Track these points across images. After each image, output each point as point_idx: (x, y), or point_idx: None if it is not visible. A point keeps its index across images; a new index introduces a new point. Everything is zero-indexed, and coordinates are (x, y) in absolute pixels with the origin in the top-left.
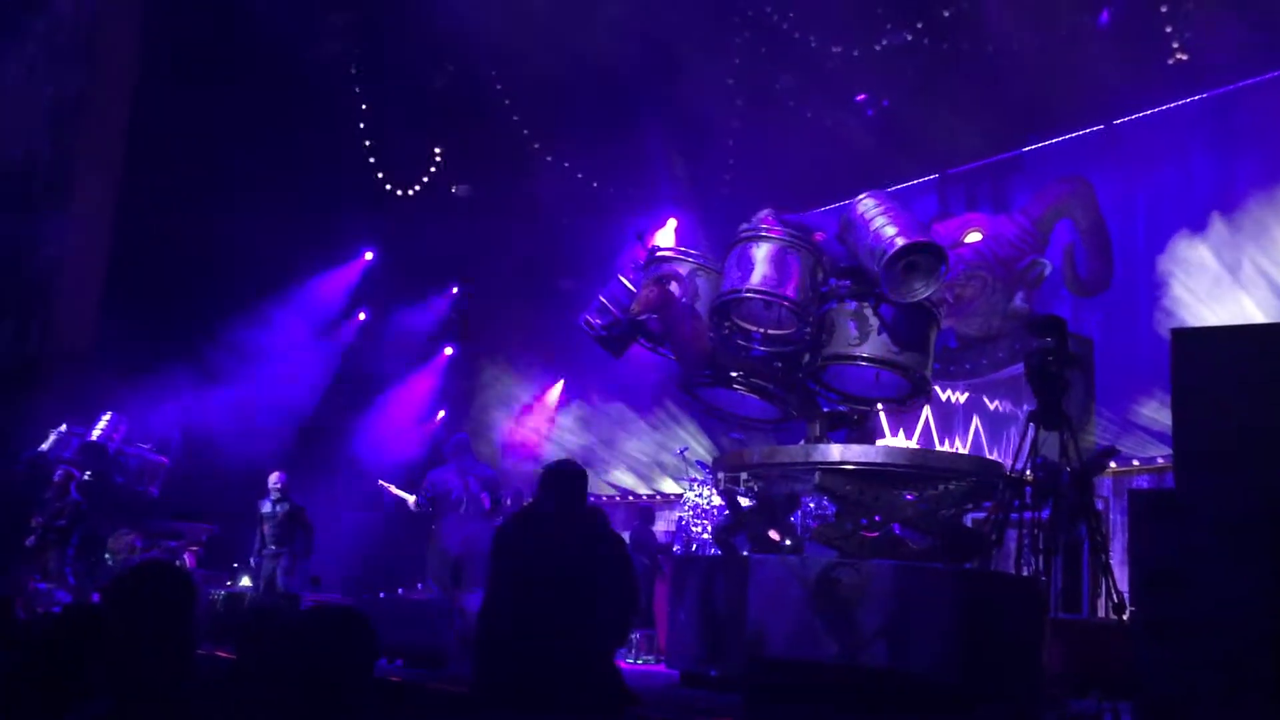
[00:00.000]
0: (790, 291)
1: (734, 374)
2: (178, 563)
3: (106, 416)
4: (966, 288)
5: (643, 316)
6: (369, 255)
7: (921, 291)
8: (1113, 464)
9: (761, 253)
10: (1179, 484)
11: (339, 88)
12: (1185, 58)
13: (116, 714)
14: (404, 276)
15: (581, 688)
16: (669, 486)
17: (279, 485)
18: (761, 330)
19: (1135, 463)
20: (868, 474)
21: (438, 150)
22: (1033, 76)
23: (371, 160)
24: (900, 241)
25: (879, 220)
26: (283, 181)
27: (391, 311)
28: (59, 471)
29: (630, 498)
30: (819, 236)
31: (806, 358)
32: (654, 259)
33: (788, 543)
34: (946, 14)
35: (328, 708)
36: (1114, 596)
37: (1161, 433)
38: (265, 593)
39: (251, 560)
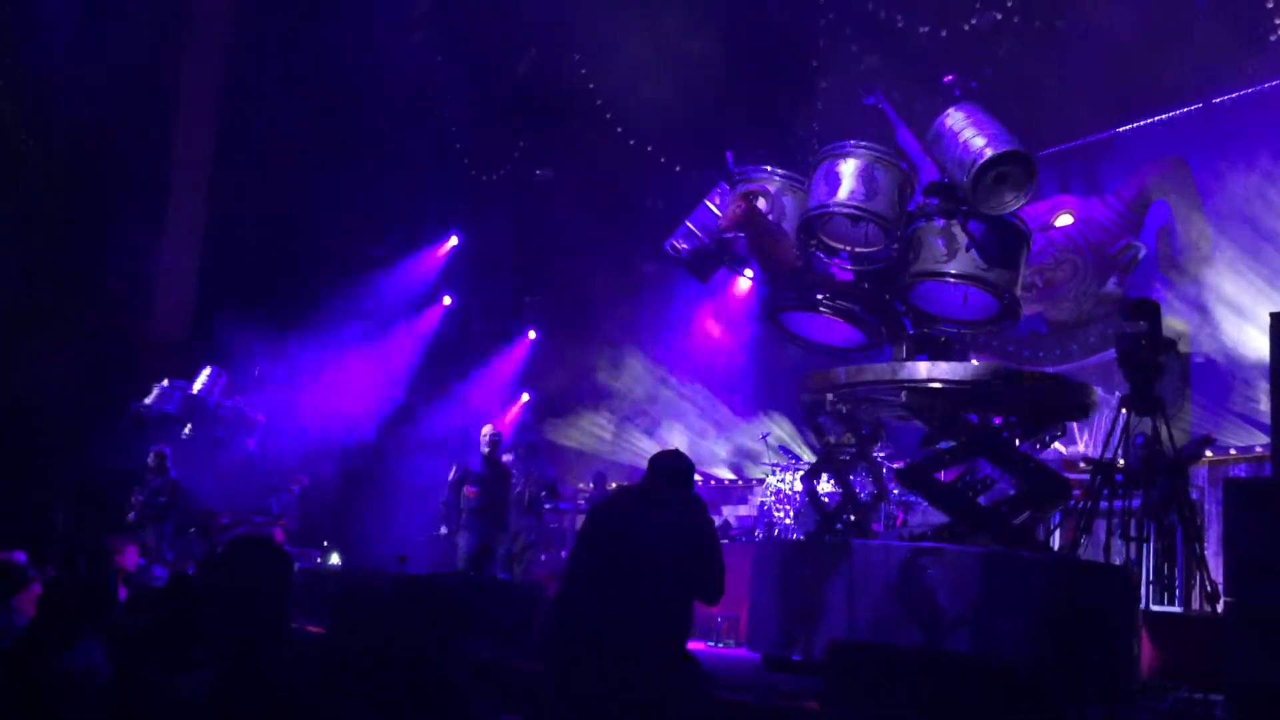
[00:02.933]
0: (878, 206)
1: (820, 296)
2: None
3: (206, 370)
4: (1057, 272)
5: (729, 234)
6: (454, 240)
7: (1012, 204)
8: (1209, 452)
9: (849, 168)
10: (1276, 471)
11: (423, 77)
12: None
13: (217, 685)
14: (487, 260)
15: (655, 670)
16: (752, 471)
17: (493, 437)
18: (849, 248)
19: (1232, 451)
20: (955, 394)
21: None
22: (1126, 55)
23: (457, 146)
24: (989, 151)
25: (968, 131)
26: (368, 168)
27: (476, 295)
28: (151, 452)
29: (712, 481)
30: (907, 152)
31: (894, 278)
32: (741, 178)
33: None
34: None
35: (415, 681)
36: (1208, 587)
37: (1261, 421)
38: (475, 573)
39: (445, 526)
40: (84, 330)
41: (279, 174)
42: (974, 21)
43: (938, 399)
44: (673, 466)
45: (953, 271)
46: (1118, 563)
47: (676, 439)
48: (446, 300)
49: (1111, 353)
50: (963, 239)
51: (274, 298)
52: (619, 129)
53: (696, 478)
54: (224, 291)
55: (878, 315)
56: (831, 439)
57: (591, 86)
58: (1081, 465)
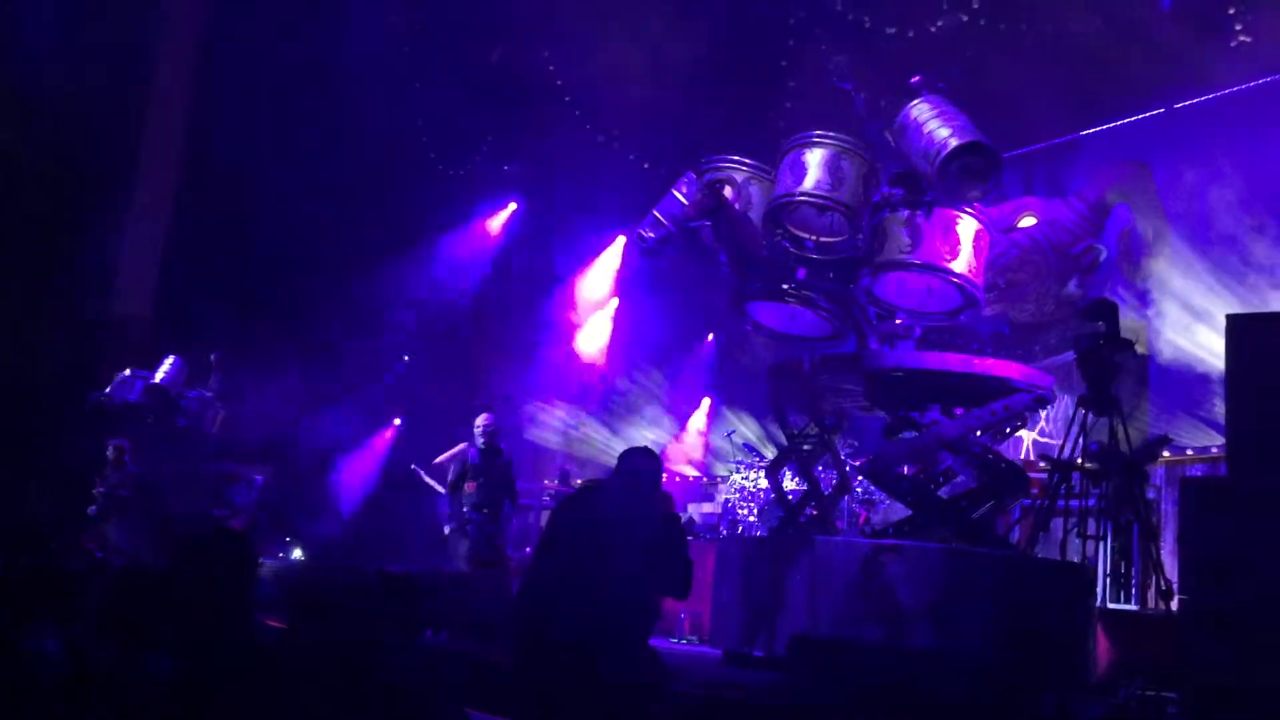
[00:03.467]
0: (843, 196)
1: (786, 285)
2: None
3: (169, 360)
4: (1020, 273)
5: (696, 223)
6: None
7: (976, 195)
8: (1166, 452)
9: (815, 158)
10: (1232, 472)
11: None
12: (1249, 40)
13: (180, 673)
14: (461, 253)
15: (615, 664)
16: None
17: (488, 427)
18: (814, 238)
19: (1189, 452)
20: (918, 384)
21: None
22: (1090, 58)
23: (424, 140)
24: (954, 142)
25: (933, 123)
26: (344, 160)
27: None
28: (110, 446)
29: (677, 478)
30: (872, 142)
31: (859, 267)
32: (708, 167)
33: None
34: None
35: (368, 675)
36: (1163, 585)
37: (1217, 422)
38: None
39: (448, 526)
40: (52, 317)
41: (248, 158)
42: (940, 23)
43: (899, 389)
44: (640, 463)
45: (917, 261)
46: (1075, 560)
47: (641, 435)
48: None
49: (1071, 355)
50: (927, 230)
51: (241, 285)
52: (587, 126)
53: (663, 475)
54: (190, 278)
55: (842, 305)
56: (795, 429)
57: (560, 83)
58: (1041, 465)
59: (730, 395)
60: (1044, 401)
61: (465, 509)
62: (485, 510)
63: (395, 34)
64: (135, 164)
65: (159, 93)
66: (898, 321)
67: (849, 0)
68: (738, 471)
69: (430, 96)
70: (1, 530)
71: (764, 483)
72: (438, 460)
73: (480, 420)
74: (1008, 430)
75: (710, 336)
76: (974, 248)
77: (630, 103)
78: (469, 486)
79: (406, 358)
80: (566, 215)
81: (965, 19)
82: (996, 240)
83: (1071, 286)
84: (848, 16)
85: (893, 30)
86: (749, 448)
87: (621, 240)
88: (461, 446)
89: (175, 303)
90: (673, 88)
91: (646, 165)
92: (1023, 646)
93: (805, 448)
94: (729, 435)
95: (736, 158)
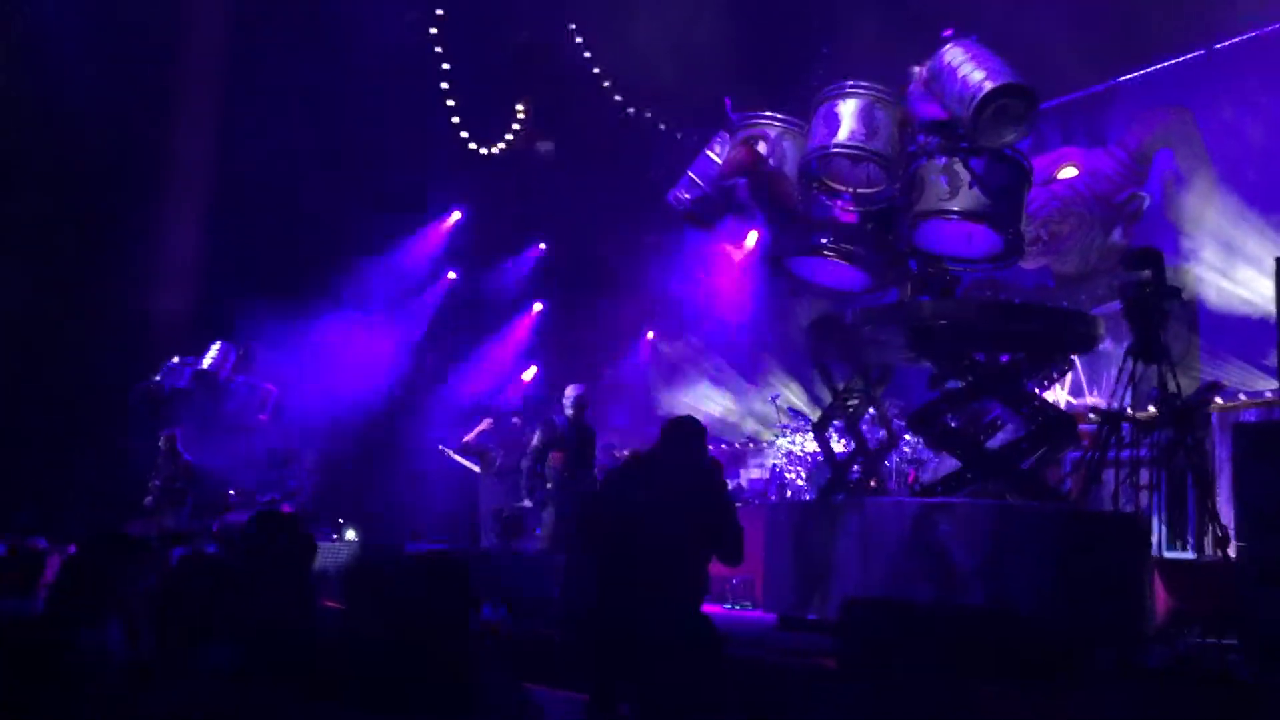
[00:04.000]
0: (879, 145)
1: (824, 239)
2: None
3: (216, 345)
4: (1062, 225)
5: (731, 181)
6: (457, 215)
7: (1013, 137)
8: (1218, 399)
9: (848, 109)
10: None
11: (421, 46)
12: None
13: (241, 660)
14: (491, 234)
15: (670, 633)
16: (760, 432)
17: (578, 398)
18: (851, 189)
19: (1242, 397)
20: (959, 332)
21: (520, 108)
22: (1127, 3)
23: (456, 120)
24: (989, 85)
25: (966, 66)
26: (368, 143)
27: (481, 269)
28: (161, 437)
29: (723, 445)
30: (912, 89)
31: (897, 218)
32: (741, 124)
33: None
34: None
35: (423, 655)
36: (1218, 532)
37: (1269, 366)
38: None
39: (528, 500)
40: (96, 313)
41: (282, 150)
42: None
43: (943, 337)
44: (685, 430)
45: (956, 209)
46: (1128, 511)
47: (687, 403)
48: (450, 275)
49: (1118, 304)
50: (965, 176)
51: (280, 274)
52: (617, 97)
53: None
54: (230, 269)
55: (882, 256)
56: (840, 384)
57: (588, 55)
58: (1090, 416)
59: (776, 361)
60: (1089, 342)
61: (549, 482)
62: (567, 487)
63: (422, 26)
64: (172, 162)
65: (191, 95)
66: (940, 270)
67: None
68: (784, 435)
69: (460, 83)
70: (60, 522)
71: (811, 446)
72: (466, 439)
73: (570, 391)
74: (1054, 375)
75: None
76: (1015, 191)
77: (660, 74)
78: (554, 458)
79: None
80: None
81: None
82: (1034, 188)
83: (1116, 235)
84: None
85: None
86: (794, 412)
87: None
88: (486, 423)
89: (215, 296)
90: (703, 57)
91: (680, 135)
92: (1079, 599)
93: (850, 404)
94: (773, 400)
95: (769, 113)
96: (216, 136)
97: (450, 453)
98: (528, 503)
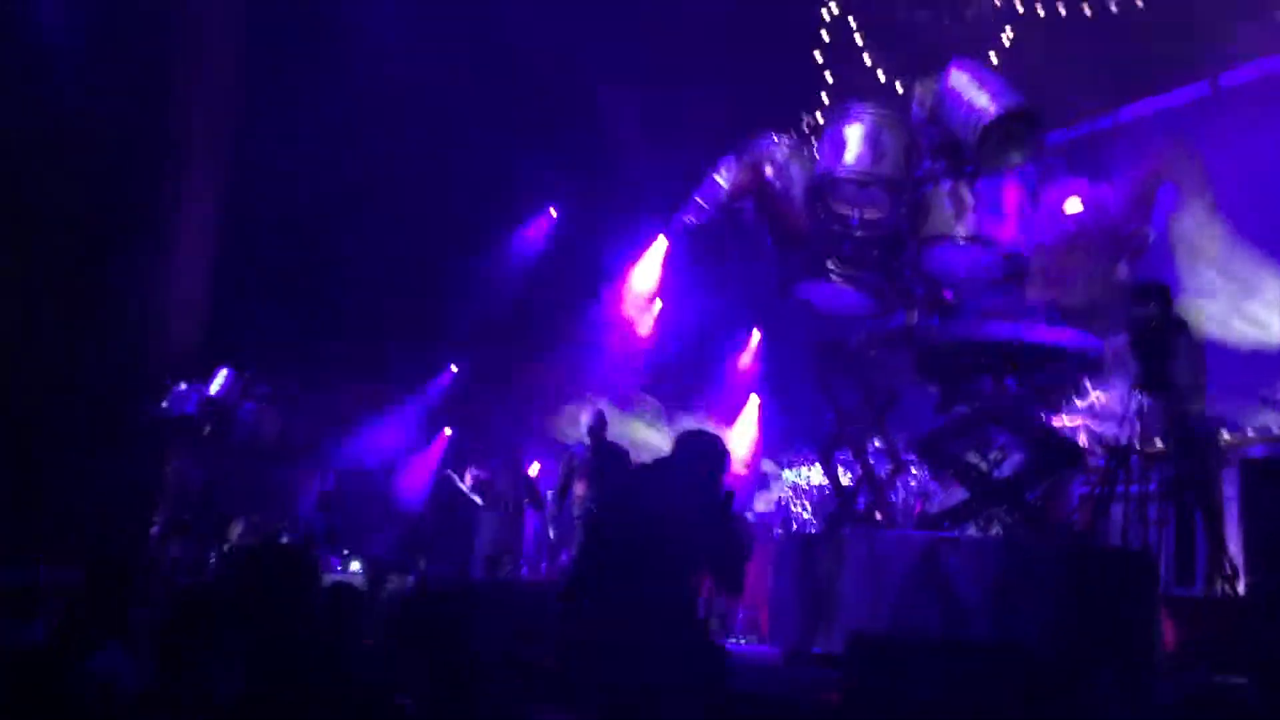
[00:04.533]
0: (885, 170)
1: (829, 263)
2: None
3: (224, 372)
4: (1068, 258)
5: (736, 204)
6: None
7: (1019, 160)
8: (1225, 434)
9: (855, 133)
10: None
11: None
12: None
13: (243, 688)
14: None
15: (673, 654)
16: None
17: (593, 424)
18: (857, 213)
19: (1250, 432)
20: (968, 356)
21: None
22: (1132, 38)
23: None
24: (993, 109)
25: (971, 90)
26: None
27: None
28: (169, 466)
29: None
30: (913, 116)
31: (903, 243)
32: (747, 148)
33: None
34: None
35: (450, 684)
36: (1227, 568)
37: (1278, 401)
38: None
39: (553, 531)
40: (101, 342)
41: (292, 176)
42: (973, 10)
43: (950, 361)
44: (701, 448)
45: (962, 234)
46: (1136, 547)
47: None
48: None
49: (1125, 338)
50: (970, 200)
51: (290, 302)
52: (623, 124)
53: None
54: (240, 296)
55: (888, 280)
56: (846, 410)
57: (594, 80)
58: (1098, 451)
59: (778, 390)
60: (1096, 364)
61: (576, 513)
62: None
63: (432, 38)
64: (180, 188)
65: (201, 113)
66: (945, 295)
67: None
68: (790, 469)
69: (472, 101)
70: (69, 550)
71: (817, 479)
72: (466, 484)
73: (583, 418)
74: (1062, 400)
75: (756, 332)
76: (1019, 215)
77: (664, 98)
78: (579, 488)
79: (454, 368)
80: (607, 215)
81: (999, 3)
82: (1042, 215)
83: (1122, 270)
84: (879, 6)
85: (926, 14)
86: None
87: (664, 240)
88: (475, 474)
89: (226, 320)
90: (707, 83)
91: (683, 158)
92: (1086, 635)
93: (855, 430)
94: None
95: (776, 136)
96: (229, 160)
97: (455, 479)
98: (552, 534)
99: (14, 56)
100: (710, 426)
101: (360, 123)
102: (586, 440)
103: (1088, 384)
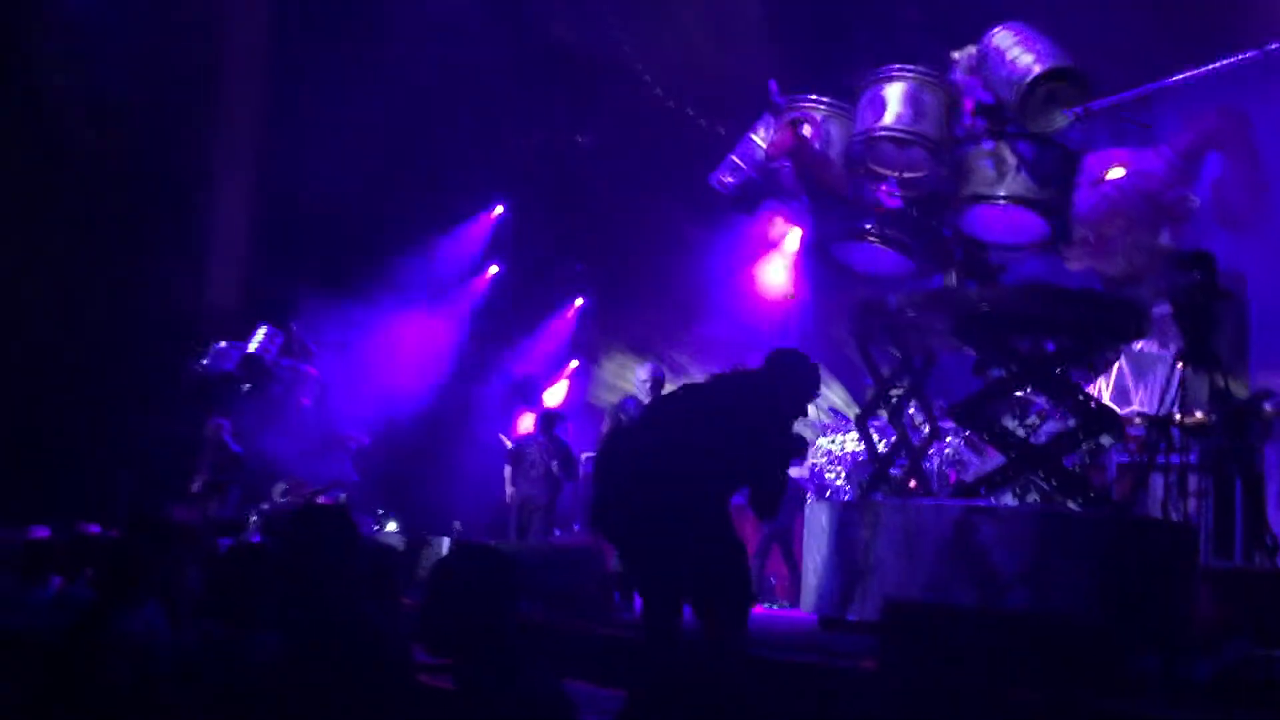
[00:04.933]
0: (925, 129)
1: (868, 225)
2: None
3: (262, 329)
4: (1109, 226)
5: (775, 163)
6: (499, 209)
7: (1062, 122)
8: (1268, 405)
9: (894, 92)
10: None
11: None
12: None
13: (286, 648)
14: (532, 231)
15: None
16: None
17: (654, 378)
18: (896, 173)
19: None
20: (1003, 317)
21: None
22: (1180, 2)
23: (492, 113)
24: (1038, 68)
25: (1015, 49)
26: (410, 134)
27: (522, 265)
28: (208, 424)
29: None
30: (954, 76)
31: (942, 202)
32: (786, 107)
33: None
34: None
35: (473, 643)
36: (1268, 541)
37: None
38: None
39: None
40: (143, 298)
41: (326, 143)
42: None
43: (988, 323)
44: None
45: (1002, 194)
46: (1176, 518)
47: None
48: (493, 269)
49: (1166, 307)
50: (1012, 161)
51: (325, 265)
52: (657, 90)
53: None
54: (277, 258)
55: (926, 242)
56: (884, 372)
57: (627, 48)
58: (1136, 420)
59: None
60: (1138, 330)
61: None
62: None
63: (460, 11)
64: (216, 156)
65: (235, 89)
66: (985, 256)
67: None
68: (824, 435)
69: (497, 69)
70: (107, 509)
71: (851, 446)
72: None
73: (642, 373)
74: (1100, 365)
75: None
76: (1063, 177)
77: (696, 68)
78: None
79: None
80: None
81: None
82: (1082, 189)
83: (1164, 238)
84: None
85: None
86: (835, 412)
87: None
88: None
89: (261, 285)
90: (738, 51)
91: (704, 123)
92: (1124, 607)
93: (894, 393)
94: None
95: (814, 96)
96: (264, 127)
97: (507, 441)
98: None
99: (71, 41)
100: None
101: (391, 93)
102: (643, 396)
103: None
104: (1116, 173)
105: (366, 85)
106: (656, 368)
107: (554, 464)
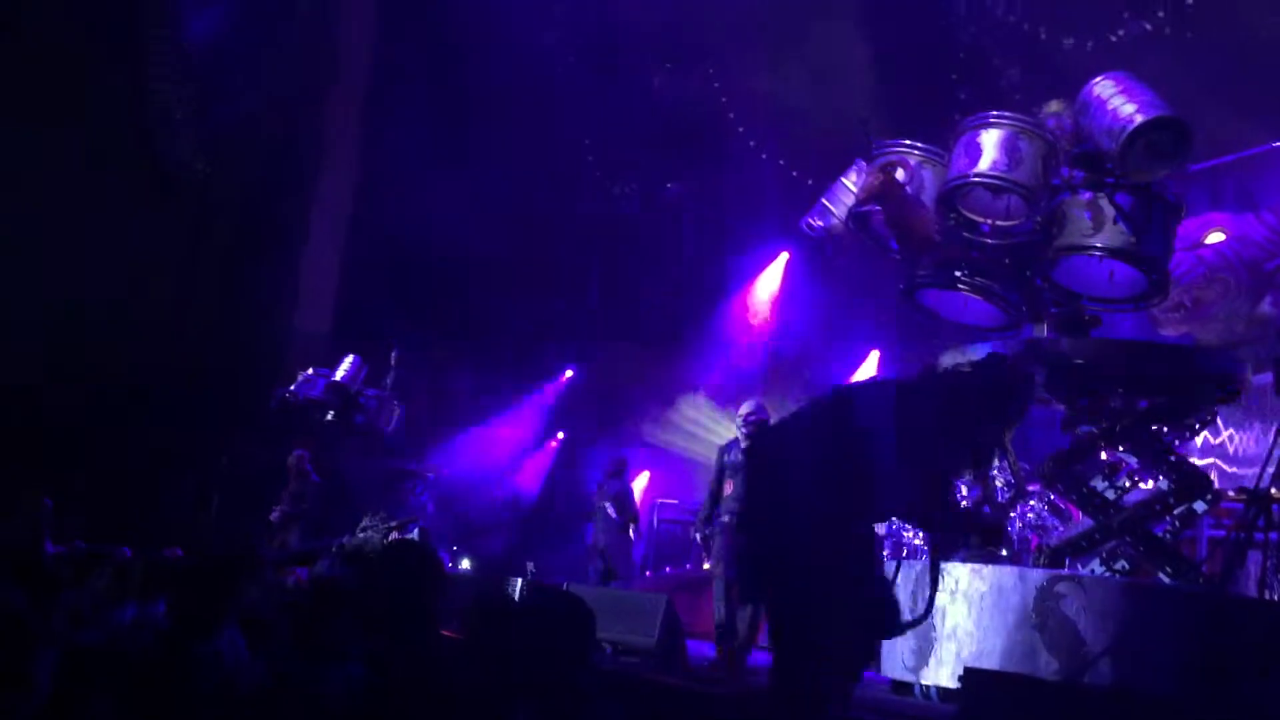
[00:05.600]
0: (1021, 176)
1: (959, 273)
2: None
3: (349, 358)
4: (1207, 291)
5: (866, 207)
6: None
7: (1164, 174)
8: None
9: (991, 138)
10: None
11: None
12: None
13: (369, 678)
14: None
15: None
16: None
17: (753, 418)
18: (990, 221)
19: None
20: (1099, 375)
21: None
22: None
23: (589, 159)
24: (1140, 118)
25: (1117, 99)
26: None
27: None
28: (292, 455)
29: None
30: (1052, 124)
31: (1037, 253)
32: (879, 151)
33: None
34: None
35: (549, 687)
36: None
37: None
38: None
39: (698, 534)
40: (235, 328)
41: (418, 182)
42: (1121, 32)
43: (1080, 377)
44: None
45: (1099, 245)
46: (1273, 598)
47: None
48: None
49: (1267, 377)
50: (1110, 212)
51: (415, 298)
52: (751, 143)
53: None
54: (366, 291)
55: (1018, 292)
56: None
57: (725, 100)
58: (1232, 494)
59: None
60: (1233, 391)
61: (724, 516)
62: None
63: (559, 53)
64: (316, 191)
65: (337, 123)
66: (1078, 309)
67: (1023, 11)
68: None
69: (596, 114)
70: (193, 534)
71: None
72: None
73: (745, 409)
74: (1195, 426)
75: (875, 352)
76: (1163, 230)
77: (793, 122)
78: (728, 487)
79: (570, 372)
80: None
81: (1149, 27)
82: (1179, 253)
83: (1265, 305)
84: (1022, 28)
85: (1070, 41)
86: None
87: (784, 256)
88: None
89: (353, 315)
90: (841, 105)
91: (795, 173)
92: (1215, 689)
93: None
94: None
95: (909, 142)
96: (358, 169)
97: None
98: (697, 536)
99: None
100: None
101: (487, 130)
102: (744, 437)
103: (1221, 423)
104: (1216, 237)
105: (468, 123)
106: (756, 404)
107: (609, 507)
